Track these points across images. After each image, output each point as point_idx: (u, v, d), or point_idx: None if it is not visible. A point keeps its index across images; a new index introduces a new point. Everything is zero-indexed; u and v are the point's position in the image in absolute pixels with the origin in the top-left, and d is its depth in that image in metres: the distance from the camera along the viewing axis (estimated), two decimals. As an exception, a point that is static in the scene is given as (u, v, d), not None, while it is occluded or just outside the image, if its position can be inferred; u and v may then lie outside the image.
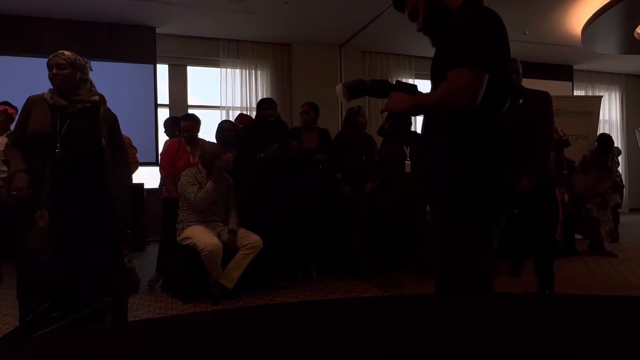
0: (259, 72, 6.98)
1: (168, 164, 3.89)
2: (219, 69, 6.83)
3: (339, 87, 1.60)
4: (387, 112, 1.67)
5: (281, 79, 7.10)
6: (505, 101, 1.44)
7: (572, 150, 5.69)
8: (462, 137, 1.39)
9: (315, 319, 0.70)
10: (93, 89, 2.45)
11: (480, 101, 1.33)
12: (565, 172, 4.92)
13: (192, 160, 3.91)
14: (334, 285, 3.75)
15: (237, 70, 6.87)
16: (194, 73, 7.08)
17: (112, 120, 2.46)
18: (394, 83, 1.58)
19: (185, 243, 3.38)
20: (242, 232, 3.48)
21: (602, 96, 7.73)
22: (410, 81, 7.84)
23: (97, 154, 2.32)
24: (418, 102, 1.46)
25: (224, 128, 4.13)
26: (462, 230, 1.39)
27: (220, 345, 0.58)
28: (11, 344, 0.64)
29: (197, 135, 3.99)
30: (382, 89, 1.58)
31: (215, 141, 4.07)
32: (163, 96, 6.64)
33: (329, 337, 0.59)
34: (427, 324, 0.65)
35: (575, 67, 8.72)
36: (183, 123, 3.95)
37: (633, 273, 4.10)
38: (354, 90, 1.59)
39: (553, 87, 8.41)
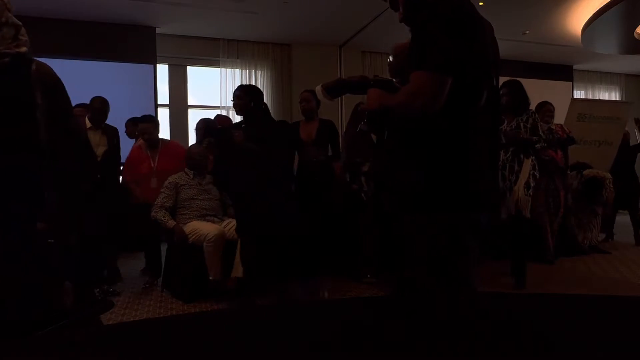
0: (259, 72, 6.99)
1: (127, 174, 3.90)
2: (219, 69, 6.83)
3: (318, 89, 1.59)
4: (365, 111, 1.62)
5: (281, 79, 7.11)
6: (478, 99, 1.36)
7: (593, 156, 5.58)
8: (430, 137, 1.35)
9: (316, 319, 0.70)
10: (20, 37, 1.73)
11: (449, 101, 1.27)
12: (569, 172, 4.90)
13: (152, 165, 3.82)
14: (334, 285, 3.75)
15: (237, 70, 6.87)
16: (194, 73, 7.08)
17: (52, 83, 1.70)
18: (371, 78, 1.55)
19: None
20: (233, 223, 3.42)
21: (633, 103, 7.26)
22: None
23: (27, 132, 1.62)
24: (385, 103, 1.42)
25: (196, 126, 4.13)
26: (432, 231, 1.35)
27: (220, 345, 0.58)
28: (11, 344, 0.64)
29: (157, 137, 3.87)
30: (359, 85, 1.55)
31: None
32: (163, 96, 6.64)
33: (329, 337, 0.59)
34: (426, 323, 0.65)
35: (575, 67, 8.72)
36: (141, 125, 3.82)
37: (633, 273, 4.10)
38: (332, 90, 1.58)
39: (553, 87, 8.43)
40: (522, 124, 3.63)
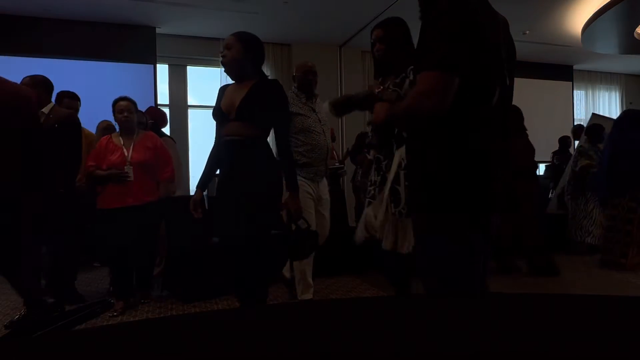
0: (259, 72, 6.99)
1: (91, 165, 3.19)
2: (219, 69, 6.83)
3: (326, 105, 1.56)
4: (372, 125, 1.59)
5: (281, 79, 7.10)
6: (489, 98, 1.34)
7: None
8: (439, 137, 1.33)
9: (315, 319, 0.70)
10: None
11: (458, 99, 1.26)
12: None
13: (126, 154, 3.18)
14: (334, 285, 3.75)
15: (237, 70, 6.87)
16: (194, 73, 7.08)
17: None
18: (378, 91, 1.53)
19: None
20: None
21: None
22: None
23: None
24: (393, 112, 1.40)
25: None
26: (438, 231, 1.35)
27: (220, 345, 0.58)
28: (11, 344, 0.64)
29: (134, 120, 3.26)
30: (366, 101, 1.53)
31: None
32: (163, 96, 6.65)
33: (329, 337, 0.59)
34: (427, 324, 0.65)
35: (575, 67, 8.73)
36: (119, 103, 3.21)
37: (633, 273, 4.10)
38: (340, 106, 1.55)
39: (553, 87, 8.43)
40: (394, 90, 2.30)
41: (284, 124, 2.29)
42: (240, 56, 2.22)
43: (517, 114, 4.07)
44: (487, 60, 1.31)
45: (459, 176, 1.33)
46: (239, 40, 2.24)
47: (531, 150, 4.17)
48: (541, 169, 8.49)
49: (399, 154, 2.26)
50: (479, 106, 1.33)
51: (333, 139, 5.23)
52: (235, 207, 2.19)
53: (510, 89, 1.47)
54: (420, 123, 1.36)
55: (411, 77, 2.27)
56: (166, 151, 3.41)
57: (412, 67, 2.25)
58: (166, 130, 4.86)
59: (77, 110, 3.76)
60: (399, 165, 2.23)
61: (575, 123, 7.96)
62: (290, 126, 2.84)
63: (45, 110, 3.11)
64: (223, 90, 2.35)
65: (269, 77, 2.37)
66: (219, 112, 2.30)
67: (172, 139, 4.54)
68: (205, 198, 2.45)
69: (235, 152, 2.20)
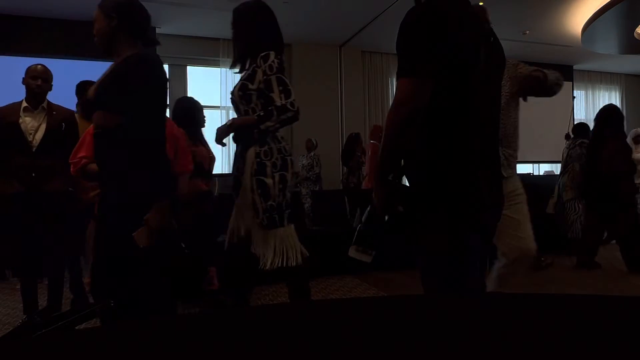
0: (259, 72, 6.99)
1: (82, 150, 2.54)
2: (219, 69, 6.84)
3: (352, 251, 1.42)
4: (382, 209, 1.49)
5: (281, 79, 7.11)
6: (466, 92, 1.32)
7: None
8: (424, 137, 1.32)
9: (315, 319, 0.70)
10: None
11: (436, 99, 1.26)
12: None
13: None
14: (334, 285, 3.75)
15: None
16: (194, 73, 7.08)
17: None
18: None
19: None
20: None
21: None
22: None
23: None
24: (379, 167, 1.37)
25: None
26: (430, 230, 1.34)
27: (220, 345, 0.58)
28: (11, 344, 0.64)
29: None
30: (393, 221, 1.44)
31: None
32: (163, 96, 6.65)
33: (329, 337, 0.59)
34: (427, 324, 0.65)
35: (575, 67, 8.73)
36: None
37: (633, 273, 4.10)
38: (367, 248, 1.46)
39: (553, 87, 8.41)
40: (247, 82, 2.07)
41: (140, 108, 1.69)
42: (105, 28, 1.79)
43: (618, 117, 4.25)
44: (459, 51, 1.30)
45: (445, 175, 1.33)
46: (101, 9, 1.80)
47: (628, 151, 4.32)
48: (541, 169, 8.50)
49: (250, 159, 2.01)
50: (459, 107, 1.33)
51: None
52: (99, 216, 1.86)
53: (498, 86, 1.47)
54: (404, 138, 1.32)
55: (264, 68, 2.03)
56: (184, 140, 3.04)
57: (262, 54, 2.04)
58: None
59: None
60: (252, 172, 1.99)
61: (576, 123, 7.95)
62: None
63: (45, 105, 3.01)
64: None
65: (150, 49, 1.98)
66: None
67: None
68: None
69: (97, 149, 1.81)
